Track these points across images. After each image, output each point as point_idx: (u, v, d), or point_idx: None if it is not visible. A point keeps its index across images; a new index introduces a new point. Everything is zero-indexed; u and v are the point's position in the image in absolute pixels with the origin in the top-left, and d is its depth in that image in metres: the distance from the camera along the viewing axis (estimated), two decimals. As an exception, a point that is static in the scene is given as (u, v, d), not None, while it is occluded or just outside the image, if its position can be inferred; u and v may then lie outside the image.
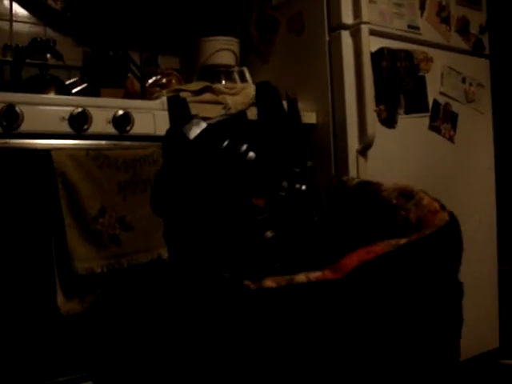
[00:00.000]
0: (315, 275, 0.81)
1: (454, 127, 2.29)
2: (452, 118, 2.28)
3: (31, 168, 1.41)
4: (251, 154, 1.02)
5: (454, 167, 2.29)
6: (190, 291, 0.87)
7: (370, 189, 1.17)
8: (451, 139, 2.28)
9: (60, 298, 1.42)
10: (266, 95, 1.14)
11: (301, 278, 0.80)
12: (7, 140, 1.39)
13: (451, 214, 0.98)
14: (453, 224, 0.96)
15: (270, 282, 0.80)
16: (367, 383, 0.83)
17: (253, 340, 0.80)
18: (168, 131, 1.12)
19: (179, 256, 1.07)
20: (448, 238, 0.94)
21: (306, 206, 1.06)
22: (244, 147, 1.02)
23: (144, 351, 0.90)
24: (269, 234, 0.99)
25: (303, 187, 1.08)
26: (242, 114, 1.13)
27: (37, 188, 1.42)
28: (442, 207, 1.01)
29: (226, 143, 1.02)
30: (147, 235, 1.51)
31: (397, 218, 1.06)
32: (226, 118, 1.10)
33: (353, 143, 1.92)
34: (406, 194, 1.09)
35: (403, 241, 0.87)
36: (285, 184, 1.04)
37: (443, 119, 2.25)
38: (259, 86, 1.16)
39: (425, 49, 2.19)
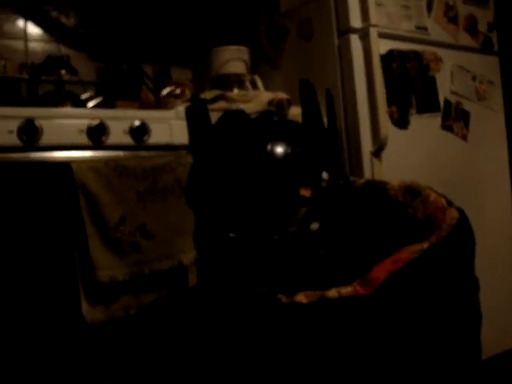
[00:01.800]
0: (347, 291, 0.81)
1: (466, 125, 2.30)
2: (464, 117, 2.29)
3: (52, 180, 1.44)
4: (297, 148, 1.03)
5: (467, 165, 2.29)
6: (226, 305, 0.88)
7: (376, 188, 1.17)
8: (464, 138, 2.29)
9: (84, 307, 1.45)
10: (306, 92, 1.15)
11: (332, 293, 0.81)
12: (28, 154, 1.42)
13: (460, 210, 0.98)
14: (464, 220, 0.96)
15: (301, 297, 0.81)
16: None
17: (284, 354, 0.80)
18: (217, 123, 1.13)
19: (210, 256, 1.08)
20: (462, 234, 0.95)
21: (342, 197, 1.07)
22: (289, 142, 1.03)
23: (179, 362, 0.91)
24: (314, 225, 1.00)
25: (341, 181, 1.09)
26: (269, 113, 1.15)
27: (58, 199, 1.45)
28: (449, 203, 1.01)
29: (271, 137, 1.03)
30: (167, 242, 1.54)
31: (405, 215, 1.07)
32: (258, 116, 1.12)
33: (366, 145, 1.94)
34: (412, 191, 1.09)
35: (425, 245, 0.87)
36: (325, 176, 1.04)
37: (455, 118, 2.26)
38: (301, 83, 1.18)
39: (434, 49, 2.20)
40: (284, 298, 0.81)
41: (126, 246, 1.48)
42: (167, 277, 1.56)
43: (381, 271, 0.83)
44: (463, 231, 0.95)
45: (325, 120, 1.17)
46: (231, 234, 0.99)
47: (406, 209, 1.10)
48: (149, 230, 1.52)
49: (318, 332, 0.79)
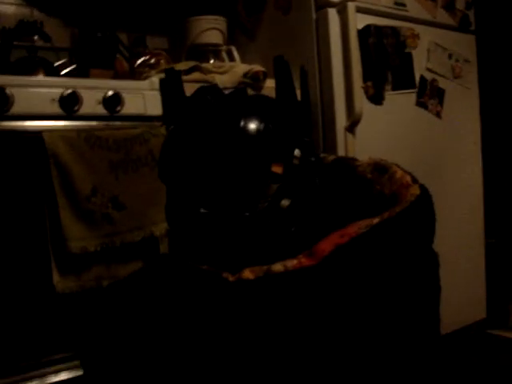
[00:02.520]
0: (292, 263, 0.82)
1: (441, 103, 2.31)
2: (439, 94, 2.30)
3: (23, 150, 1.43)
4: (269, 124, 1.03)
5: (441, 142, 2.32)
6: (173, 286, 0.89)
7: (345, 164, 1.19)
8: (438, 115, 2.31)
9: (56, 277, 1.45)
10: (281, 69, 1.16)
11: (278, 267, 0.82)
12: (-1, 121, 1.40)
13: (422, 187, 1.00)
14: (424, 197, 0.98)
15: (248, 273, 0.82)
16: (352, 367, 0.85)
17: (234, 331, 0.81)
18: (190, 97, 1.13)
19: (180, 229, 1.08)
20: (419, 211, 0.96)
21: (314, 174, 1.08)
22: (262, 118, 1.04)
23: (131, 340, 0.92)
24: (285, 202, 1.01)
25: (313, 158, 1.10)
26: (243, 89, 1.15)
27: (29, 169, 1.44)
28: (414, 180, 1.03)
29: (245, 113, 1.03)
30: (139, 214, 1.54)
31: (372, 192, 1.08)
32: (232, 91, 1.12)
33: (341, 120, 1.95)
34: (380, 168, 1.11)
35: (375, 220, 0.89)
36: (297, 153, 1.05)
37: (430, 95, 2.27)
38: (276, 60, 1.18)
39: (411, 25, 2.20)
40: (230, 276, 0.82)
41: (97, 217, 1.48)
42: (139, 248, 1.57)
43: (327, 244, 0.85)
44: (421, 208, 0.96)
45: (298, 96, 1.17)
46: (202, 210, 1.00)
47: (374, 185, 1.12)
48: (121, 201, 1.51)
49: (267, 306, 0.80)
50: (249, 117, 1.03)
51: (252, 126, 1.03)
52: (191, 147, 1.05)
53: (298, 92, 1.82)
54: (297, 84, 1.94)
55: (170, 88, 1.16)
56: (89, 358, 1.04)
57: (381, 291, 0.87)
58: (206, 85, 1.41)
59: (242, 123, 1.02)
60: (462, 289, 2.36)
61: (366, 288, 0.85)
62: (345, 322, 0.83)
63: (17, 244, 1.43)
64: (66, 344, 1.47)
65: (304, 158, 1.07)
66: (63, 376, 1.46)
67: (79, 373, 1.41)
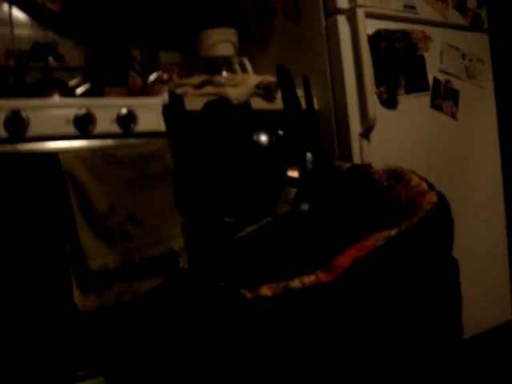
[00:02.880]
0: (309, 280, 0.82)
1: (455, 104, 2.30)
2: (453, 95, 2.29)
3: (41, 171, 1.45)
4: (280, 132, 1.05)
5: (457, 144, 2.30)
6: (191, 303, 0.89)
7: (361, 172, 1.18)
8: (454, 116, 2.29)
9: (76, 295, 1.46)
10: (284, 77, 1.16)
11: (295, 283, 0.81)
12: (16, 145, 1.43)
13: (439, 194, 0.99)
14: (441, 204, 0.97)
15: (265, 290, 0.81)
16: (372, 380, 0.85)
17: (252, 348, 0.81)
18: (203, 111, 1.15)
19: (204, 242, 1.09)
20: (437, 219, 0.95)
21: (327, 179, 1.09)
22: (271, 129, 1.06)
23: (151, 356, 0.93)
24: (305, 206, 1.02)
25: (324, 163, 1.10)
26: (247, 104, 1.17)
27: (47, 189, 1.46)
28: (430, 187, 1.02)
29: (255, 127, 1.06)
30: (157, 229, 1.55)
31: (389, 200, 1.08)
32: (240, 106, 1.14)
33: (355, 127, 1.94)
34: (396, 175, 1.10)
35: (393, 232, 0.88)
36: (309, 157, 1.06)
37: (444, 97, 2.26)
38: (279, 69, 1.19)
39: (422, 27, 2.19)
40: (248, 294, 0.82)
41: (115, 235, 1.50)
42: (158, 263, 1.58)
43: (345, 259, 0.84)
44: (439, 216, 0.95)
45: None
46: (226, 219, 1.01)
47: (390, 193, 1.11)
48: (138, 217, 1.53)
49: (284, 323, 0.79)
50: (259, 130, 1.05)
51: (263, 138, 1.05)
52: (208, 164, 1.07)
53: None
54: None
55: (173, 111, 1.17)
56: (112, 374, 1.05)
57: (401, 304, 0.87)
58: (214, 99, 1.44)
59: (254, 137, 1.04)
60: (486, 291, 2.33)
61: (385, 302, 0.85)
62: (365, 338, 0.83)
63: (38, 263, 1.45)
64: (90, 361, 1.48)
65: (317, 162, 1.08)
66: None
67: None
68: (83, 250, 1.45)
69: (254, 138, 1.05)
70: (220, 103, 1.15)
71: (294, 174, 1.04)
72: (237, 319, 0.81)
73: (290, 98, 1.16)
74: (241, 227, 1.01)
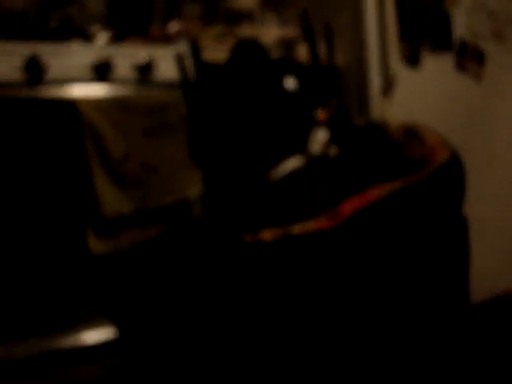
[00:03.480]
0: (310, 226, 0.83)
1: (481, 65, 2.25)
2: (479, 56, 2.24)
3: (59, 117, 1.47)
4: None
5: (481, 106, 2.25)
6: (192, 248, 0.91)
7: (377, 129, 1.18)
8: (479, 78, 2.24)
9: (91, 239, 1.49)
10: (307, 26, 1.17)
11: (296, 229, 0.82)
12: (34, 89, 1.44)
13: (452, 152, 0.98)
14: (453, 162, 0.96)
15: (266, 235, 0.82)
16: (373, 333, 0.85)
17: (251, 291, 0.82)
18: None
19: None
20: (447, 176, 0.95)
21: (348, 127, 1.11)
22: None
23: (152, 298, 0.95)
24: (334, 150, 1.05)
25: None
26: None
27: (64, 136, 1.48)
28: (445, 145, 1.01)
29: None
30: (172, 178, 1.56)
31: (402, 156, 1.08)
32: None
33: (375, 83, 1.92)
34: (411, 132, 1.09)
35: (399, 185, 0.88)
36: (334, 101, 1.07)
37: (471, 57, 2.21)
38: (304, 16, 1.19)
39: (451, -18, 2.13)
40: (248, 237, 0.83)
41: (130, 181, 1.52)
42: (172, 210, 1.60)
43: (348, 207, 0.84)
44: (449, 173, 0.95)
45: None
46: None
47: (404, 149, 1.11)
48: (153, 165, 1.54)
49: (285, 269, 0.80)
50: (287, 75, 1.08)
51: (291, 82, 1.08)
52: (231, 106, 1.09)
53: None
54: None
55: (194, 57, 1.18)
56: (116, 317, 1.08)
57: (402, 255, 0.87)
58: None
59: (283, 81, 1.08)
60: (504, 254, 2.32)
61: (386, 253, 0.85)
62: (363, 290, 0.84)
63: (55, 208, 1.47)
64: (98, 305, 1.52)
65: (340, 106, 1.09)
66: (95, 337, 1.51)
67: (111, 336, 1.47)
68: (98, 196, 1.48)
69: (283, 81, 1.07)
70: (252, 44, 1.15)
71: (323, 115, 1.06)
72: (235, 262, 0.83)
73: (312, 49, 1.16)
74: (277, 164, 1.03)
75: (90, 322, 1.51)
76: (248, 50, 1.15)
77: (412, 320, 0.90)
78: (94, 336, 1.50)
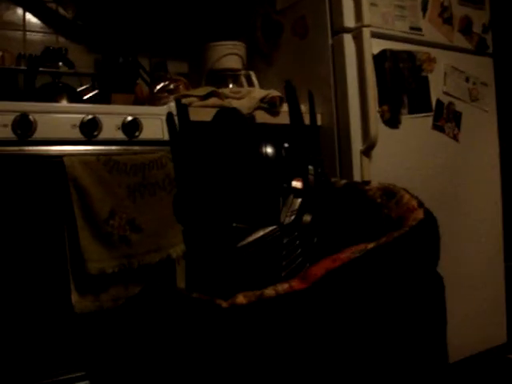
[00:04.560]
0: (282, 287, 0.84)
1: (458, 126, 2.32)
2: (456, 117, 2.32)
3: (45, 173, 1.48)
4: (285, 144, 1.09)
5: (458, 165, 2.32)
6: (167, 315, 0.91)
7: (356, 189, 1.21)
8: (455, 138, 2.31)
9: (74, 297, 1.49)
10: (291, 92, 1.19)
11: (269, 292, 0.83)
12: (22, 147, 1.46)
13: (427, 211, 1.00)
14: (427, 221, 0.98)
15: (241, 298, 0.83)
16: None
17: (228, 356, 0.83)
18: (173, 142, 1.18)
19: (197, 255, 1.12)
20: (420, 235, 0.96)
21: (326, 192, 1.12)
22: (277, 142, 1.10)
23: (129, 361, 0.95)
24: (307, 217, 1.05)
25: (323, 177, 1.14)
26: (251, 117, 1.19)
27: (51, 192, 1.49)
28: (420, 204, 1.04)
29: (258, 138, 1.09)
30: (156, 236, 1.57)
31: (381, 216, 1.10)
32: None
33: (357, 144, 1.97)
34: (389, 192, 1.12)
35: (370, 245, 0.89)
36: (311, 169, 1.09)
37: (447, 118, 2.28)
38: (287, 85, 1.21)
39: (428, 49, 2.22)
40: (223, 303, 0.84)
41: (115, 240, 1.52)
42: (156, 269, 1.60)
43: (319, 268, 0.86)
44: (422, 232, 0.97)
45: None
46: (235, 224, 1.04)
47: (382, 209, 1.13)
48: (138, 223, 1.55)
49: (259, 330, 0.81)
50: (265, 141, 1.09)
51: (270, 150, 1.09)
52: (210, 169, 1.10)
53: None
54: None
55: (179, 117, 1.20)
56: (95, 377, 1.07)
57: (376, 316, 0.88)
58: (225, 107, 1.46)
59: (260, 148, 1.08)
60: (481, 313, 2.35)
61: (359, 313, 0.86)
62: (337, 348, 0.84)
63: (38, 265, 1.47)
64: (79, 362, 1.51)
65: (318, 175, 1.11)
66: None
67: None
68: (83, 253, 1.48)
69: (261, 148, 1.08)
70: (231, 112, 1.18)
71: (298, 184, 1.07)
72: (213, 329, 0.83)
73: (295, 113, 1.19)
74: (248, 233, 1.03)
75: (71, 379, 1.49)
76: (227, 117, 1.18)
77: (390, 379, 0.91)
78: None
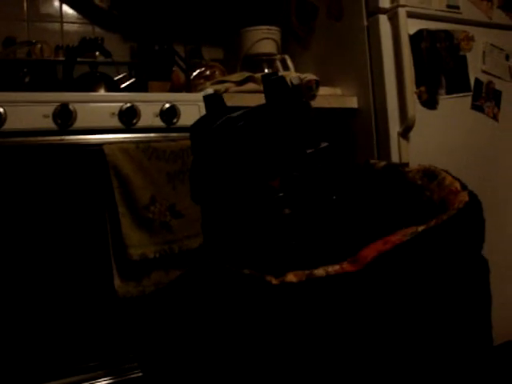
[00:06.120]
0: (333, 268, 0.84)
1: (497, 105, 2.28)
2: (495, 96, 2.27)
3: (86, 162, 1.51)
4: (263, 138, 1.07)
5: (498, 145, 2.28)
6: (216, 291, 0.92)
7: (396, 170, 1.20)
8: (495, 117, 2.27)
9: (117, 282, 1.52)
10: (273, 85, 1.16)
11: (319, 271, 0.83)
12: (63, 137, 1.49)
13: (471, 194, 0.99)
14: (473, 204, 0.97)
15: (291, 277, 0.84)
16: (394, 374, 0.86)
17: (277, 334, 0.83)
18: (193, 124, 1.18)
19: (211, 244, 1.13)
20: (468, 218, 0.95)
21: (322, 185, 1.09)
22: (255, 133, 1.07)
23: (182, 346, 0.96)
24: (286, 211, 1.04)
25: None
26: (261, 106, 1.16)
27: (92, 180, 1.52)
28: (463, 187, 1.02)
29: (240, 131, 1.07)
30: (196, 222, 1.58)
31: (422, 198, 1.09)
32: (248, 110, 1.14)
33: (394, 126, 1.95)
34: (430, 174, 1.11)
35: (421, 228, 0.89)
36: (297, 165, 1.07)
37: (486, 98, 2.24)
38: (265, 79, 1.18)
39: (465, 28, 2.18)
40: (274, 280, 0.84)
41: (156, 225, 1.54)
42: (196, 254, 1.62)
43: (370, 251, 0.85)
44: (469, 215, 0.96)
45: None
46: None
47: (423, 192, 1.12)
48: (178, 209, 1.57)
49: (309, 310, 0.81)
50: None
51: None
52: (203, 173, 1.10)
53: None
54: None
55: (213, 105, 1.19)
56: (142, 358, 1.10)
57: (425, 298, 0.88)
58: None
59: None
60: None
61: (409, 296, 0.86)
62: (386, 330, 0.84)
63: (81, 251, 1.51)
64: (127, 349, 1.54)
65: (303, 169, 1.08)
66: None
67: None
68: (124, 240, 1.51)
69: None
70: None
71: (274, 183, 1.06)
72: (263, 305, 0.84)
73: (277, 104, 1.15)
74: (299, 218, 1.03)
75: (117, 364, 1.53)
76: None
77: (436, 362, 0.91)
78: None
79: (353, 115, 2.06)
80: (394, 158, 1.93)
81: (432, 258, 0.89)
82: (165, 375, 1.05)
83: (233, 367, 0.88)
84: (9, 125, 1.43)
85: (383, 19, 1.94)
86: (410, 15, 1.96)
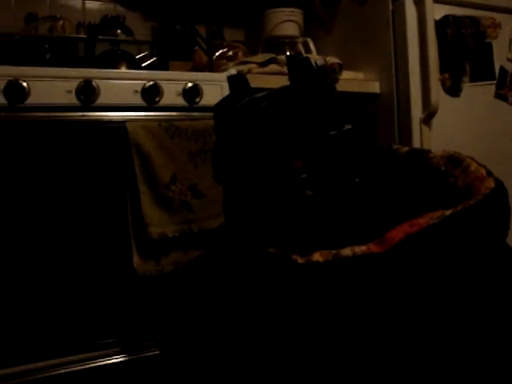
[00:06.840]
0: (360, 249, 0.83)
1: (521, 94, 2.25)
2: (520, 85, 2.24)
3: (107, 139, 1.50)
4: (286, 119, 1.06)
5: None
6: (240, 269, 0.92)
7: (419, 156, 1.18)
8: (519, 106, 2.24)
9: (136, 261, 1.52)
10: (298, 66, 1.16)
11: (346, 251, 0.82)
12: (85, 113, 1.48)
13: (497, 181, 0.97)
14: (499, 190, 0.96)
15: (317, 256, 0.83)
16: (418, 360, 0.85)
17: (302, 314, 0.83)
18: (217, 104, 1.17)
19: (232, 224, 1.12)
20: (494, 204, 0.94)
21: (345, 168, 1.08)
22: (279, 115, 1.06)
23: (202, 324, 0.96)
24: (308, 192, 1.03)
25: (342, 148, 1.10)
26: (286, 87, 1.15)
27: (113, 157, 1.51)
28: (489, 173, 1.01)
29: (263, 111, 1.06)
30: (217, 202, 1.57)
31: (446, 185, 1.08)
32: (272, 91, 1.13)
33: (416, 112, 1.93)
34: (454, 160, 1.09)
35: (448, 212, 0.88)
36: (320, 146, 1.07)
37: (510, 86, 2.21)
38: (290, 60, 1.17)
39: (492, 14, 2.14)
40: (300, 259, 0.84)
41: (176, 205, 1.54)
42: (215, 234, 1.62)
43: (397, 232, 0.84)
44: (495, 202, 0.94)
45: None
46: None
47: (447, 178, 1.11)
48: (199, 189, 1.57)
49: (335, 290, 0.81)
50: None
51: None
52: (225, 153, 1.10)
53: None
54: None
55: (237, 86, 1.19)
56: (159, 338, 1.10)
57: (451, 282, 0.87)
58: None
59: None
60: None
61: (435, 278, 0.85)
62: (412, 311, 0.84)
63: (101, 227, 1.51)
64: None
65: (326, 151, 1.07)
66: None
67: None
68: (144, 218, 1.50)
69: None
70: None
71: (297, 164, 1.05)
72: (289, 284, 0.83)
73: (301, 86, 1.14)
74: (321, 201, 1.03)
75: (134, 341, 1.53)
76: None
77: (462, 348, 0.90)
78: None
79: (375, 100, 2.04)
80: (416, 144, 1.92)
81: (459, 243, 0.88)
82: (182, 355, 1.05)
83: (256, 348, 0.88)
84: (32, 99, 1.42)
85: (409, 3, 1.92)
86: (436, 0, 1.93)
